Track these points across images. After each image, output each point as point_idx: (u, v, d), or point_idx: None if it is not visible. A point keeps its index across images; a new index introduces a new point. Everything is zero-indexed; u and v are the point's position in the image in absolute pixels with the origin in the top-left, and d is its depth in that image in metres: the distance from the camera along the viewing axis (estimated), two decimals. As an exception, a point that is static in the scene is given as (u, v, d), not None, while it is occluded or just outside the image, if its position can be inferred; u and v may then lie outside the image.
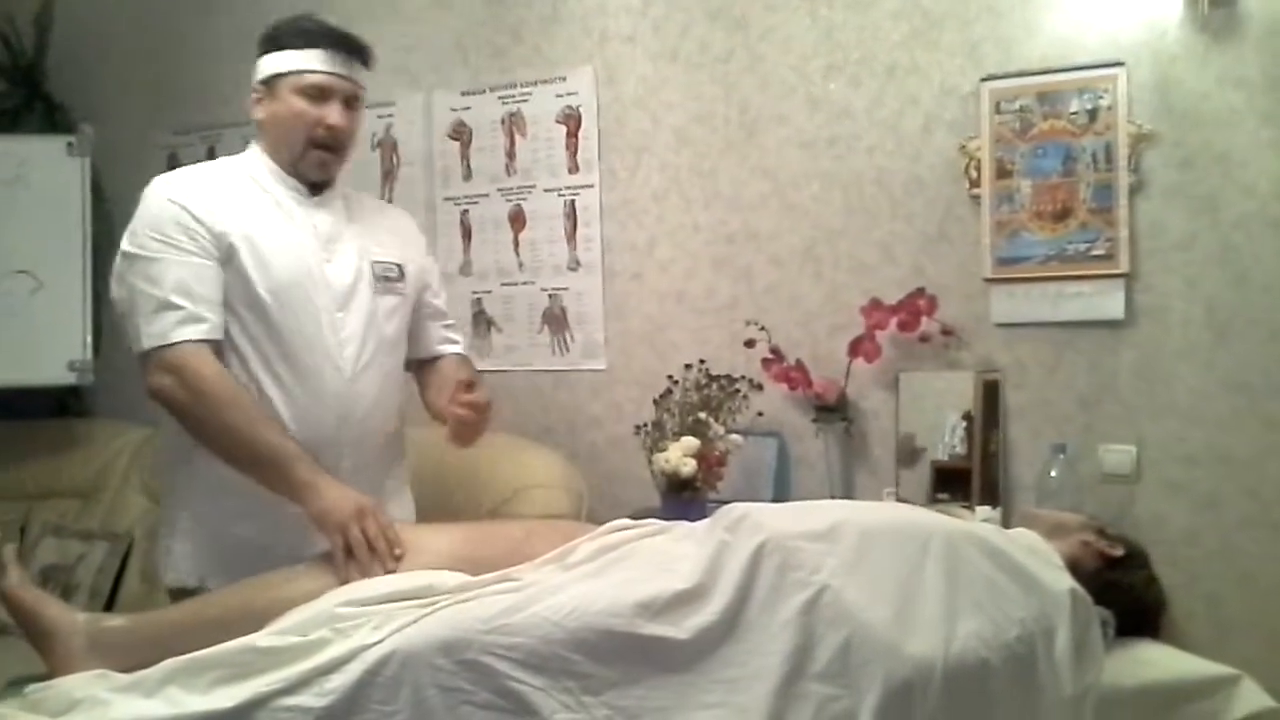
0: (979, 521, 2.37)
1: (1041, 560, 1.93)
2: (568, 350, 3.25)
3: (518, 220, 3.31)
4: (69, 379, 3.40)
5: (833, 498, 2.77)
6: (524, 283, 3.31)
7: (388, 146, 3.49)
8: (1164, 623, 2.22)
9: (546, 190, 3.26)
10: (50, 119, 3.88)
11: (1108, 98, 2.57)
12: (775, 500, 2.81)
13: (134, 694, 1.61)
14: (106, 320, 3.16)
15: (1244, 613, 2.47)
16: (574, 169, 3.21)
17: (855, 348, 2.75)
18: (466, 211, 3.39)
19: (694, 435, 2.73)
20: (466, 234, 3.39)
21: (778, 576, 1.74)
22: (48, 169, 3.46)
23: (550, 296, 3.27)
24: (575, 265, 3.22)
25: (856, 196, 2.86)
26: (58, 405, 3.76)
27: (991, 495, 2.63)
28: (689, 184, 3.06)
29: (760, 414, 2.88)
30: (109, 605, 3.15)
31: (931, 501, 2.65)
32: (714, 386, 2.82)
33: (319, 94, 2.10)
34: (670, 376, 2.89)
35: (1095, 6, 2.58)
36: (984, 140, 2.69)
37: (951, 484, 2.68)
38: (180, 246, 1.99)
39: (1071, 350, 2.64)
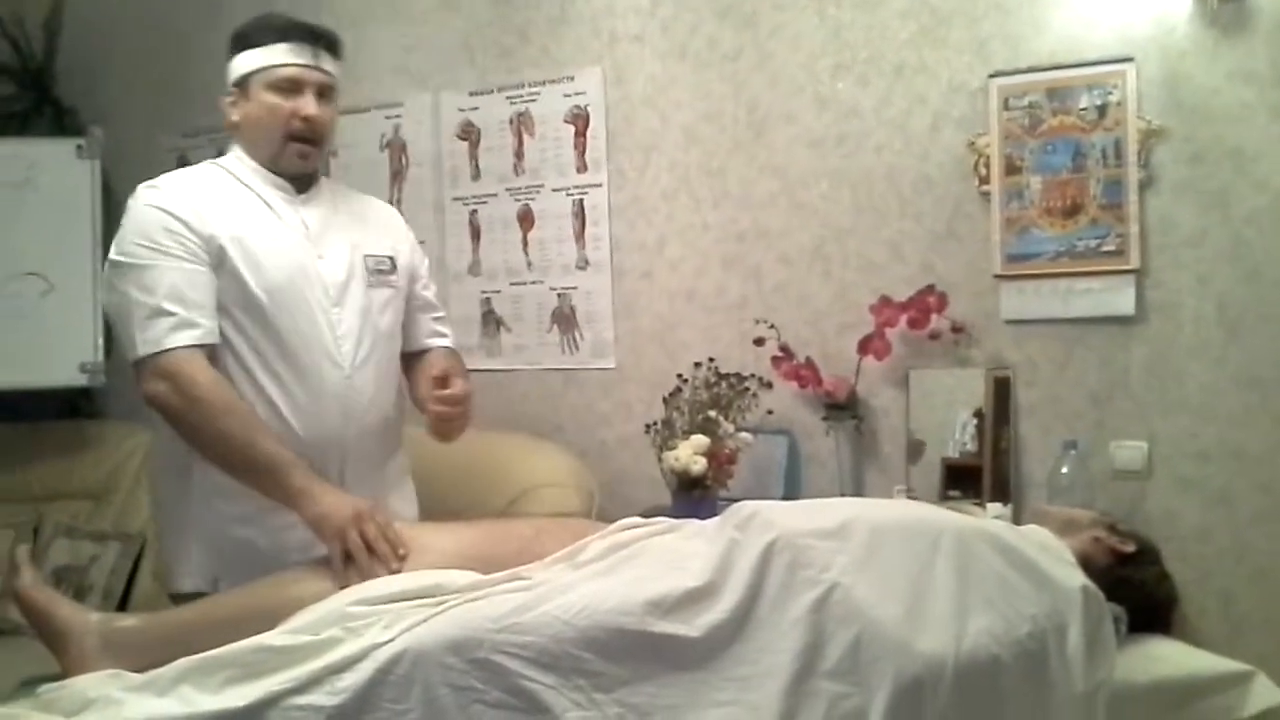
0: (990, 518, 2.36)
1: (1053, 557, 1.92)
2: (577, 349, 3.26)
3: (526, 220, 3.32)
4: (80, 381, 3.41)
5: (843, 495, 2.77)
6: (533, 282, 3.31)
7: (396, 147, 3.50)
8: (1176, 619, 2.21)
9: (555, 190, 3.26)
10: (60, 122, 3.90)
11: (1117, 93, 2.56)
12: (786, 498, 2.81)
13: (147, 693, 1.61)
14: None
15: (1257, 609, 2.47)
16: (582, 168, 3.22)
17: (865, 345, 2.75)
18: (475, 211, 3.39)
19: (704, 433, 2.73)
20: (475, 234, 3.39)
21: (788, 574, 1.74)
22: (57, 172, 3.48)
23: (559, 296, 3.27)
24: (584, 264, 3.23)
25: (865, 194, 2.85)
26: (69, 407, 3.77)
27: (1003, 492, 2.63)
28: (698, 183, 3.06)
29: (770, 412, 2.88)
30: (122, 606, 3.16)
31: (943, 499, 2.65)
32: (724, 385, 2.82)
33: (291, 87, 2.10)
34: (680, 375, 2.89)
35: (1104, 2, 2.57)
36: (993, 137, 2.68)
37: (963, 481, 2.68)
38: (170, 252, 1.98)
39: (1082, 347, 2.63)
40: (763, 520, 1.82)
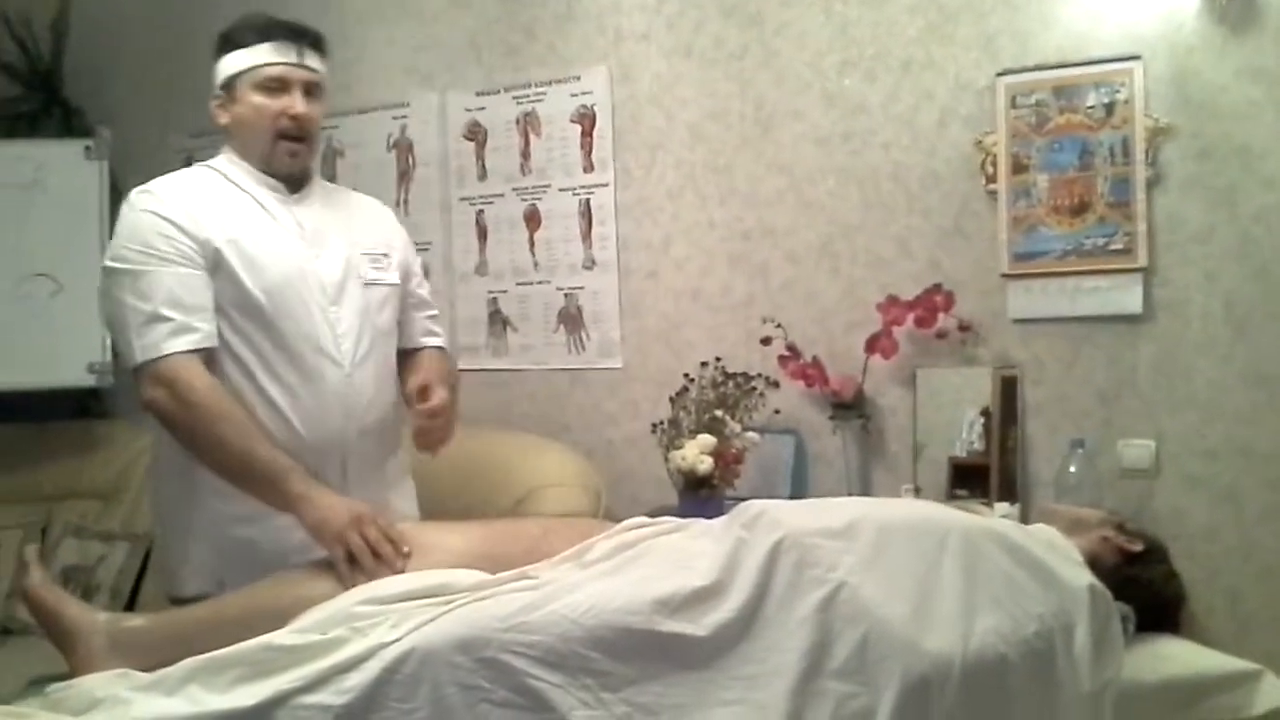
0: (997, 518, 2.36)
1: (1060, 556, 1.92)
2: (584, 349, 3.26)
3: (533, 220, 3.32)
4: (89, 381, 3.42)
5: (850, 495, 2.77)
6: (539, 282, 3.31)
7: (403, 148, 3.50)
8: (1184, 618, 2.21)
9: (561, 189, 3.26)
10: (68, 123, 3.91)
11: (1124, 91, 2.56)
12: (792, 498, 2.81)
13: (155, 693, 1.62)
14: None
15: (1265, 607, 2.46)
16: (589, 168, 3.22)
17: (872, 344, 2.75)
18: (482, 211, 3.39)
19: (710, 433, 2.73)
20: (482, 234, 3.39)
21: (795, 573, 1.74)
22: (66, 173, 3.49)
23: (566, 295, 3.27)
24: (591, 264, 3.23)
25: (873, 192, 2.85)
26: (78, 407, 3.78)
27: (1010, 491, 2.62)
28: (704, 181, 3.06)
29: (777, 411, 2.88)
30: (130, 605, 3.17)
31: (950, 498, 2.65)
32: (730, 384, 2.82)
33: (278, 86, 2.09)
34: (686, 374, 2.89)
35: (1111, -1, 2.57)
36: (1000, 135, 2.68)
37: (970, 480, 2.68)
38: (165, 257, 1.97)
39: (1089, 345, 2.63)
40: (770, 519, 1.82)
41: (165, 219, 2.00)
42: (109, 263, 2.01)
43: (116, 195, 3.47)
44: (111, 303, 2.00)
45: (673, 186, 3.11)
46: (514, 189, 3.34)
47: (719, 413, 2.76)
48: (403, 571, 1.85)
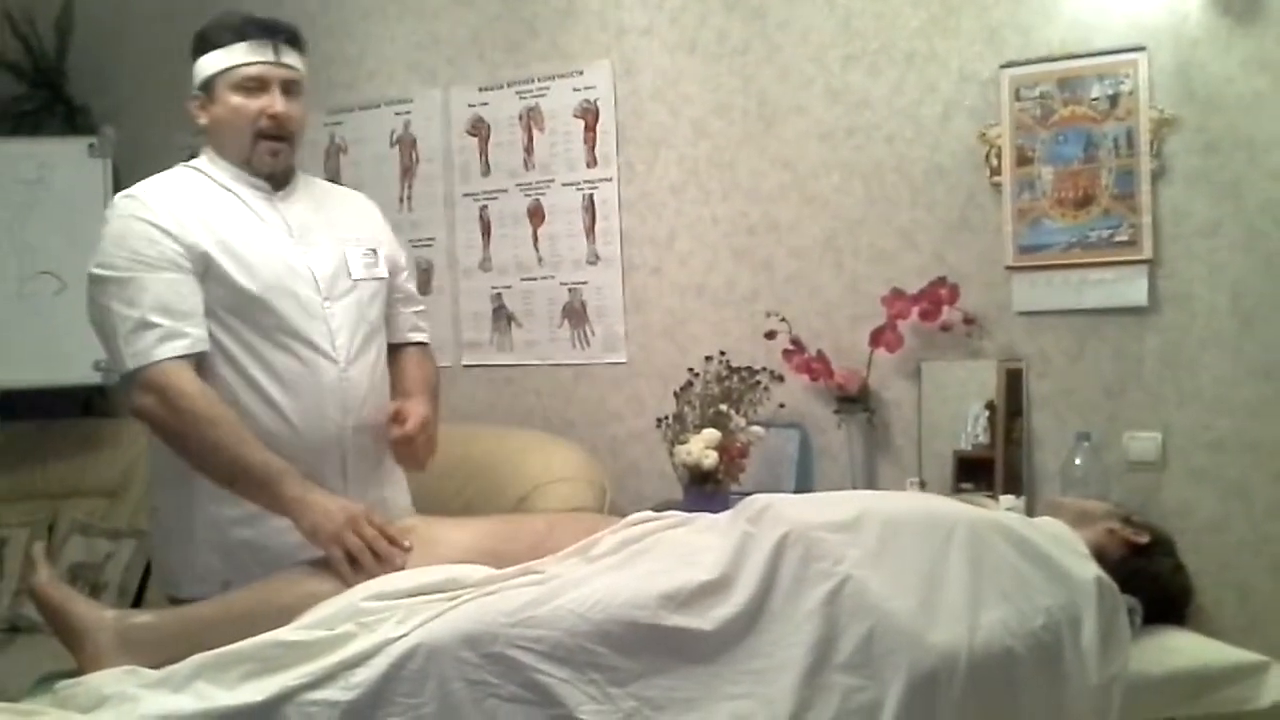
0: (1003, 510, 2.36)
1: (1067, 548, 1.92)
2: (588, 344, 3.26)
3: (536, 215, 3.32)
4: (94, 379, 3.42)
5: (855, 488, 2.76)
6: (544, 277, 3.31)
7: (406, 143, 3.50)
8: (1192, 610, 2.20)
9: (565, 184, 3.26)
10: (72, 121, 3.91)
11: (1129, 83, 2.55)
12: (797, 492, 2.80)
13: (163, 689, 1.62)
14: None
15: (1273, 599, 2.46)
16: (592, 163, 3.22)
17: (877, 338, 2.75)
18: (485, 207, 3.39)
19: (715, 427, 2.73)
20: (486, 229, 3.39)
21: (801, 567, 1.73)
22: (70, 171, 3.49)
23: (570, 291, 3.27)
24: (594, 259, 3.23)
25: (877, 186, 2.85)
26: (83, 405, 3.79)
27: (1015, 484, 2.62)
28: (708, 176, 3.06)
29: (782, 405, 2.88)
30: (136, 602, 3.18)
31: (955, 491, 2.65)
32: (735, 378, 2.82)
33: (256, 86, 2.07)
34: (691, 369, 2.89)
35: (1115, -9, 2.57)
36: (1004, 127, 2.68)
37: (975, 473, 2.68)
38: (152, 263, 1.96)
39: (1095, 338, 2.63)
40: (775, 513, 1.82)
41: (151, 224, 1.98)
42: (96, 270, 1.99)
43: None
44: (99, 310, 1.98)
45: (676, 181, 3.10)
46: (517, 184, 3.34)
47: (724, 407, 2.76)
48: (403, 567, 1.85)
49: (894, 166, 2.82)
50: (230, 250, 2.02)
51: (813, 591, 1.71)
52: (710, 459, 2.68)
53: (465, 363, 3.43)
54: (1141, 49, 2.54)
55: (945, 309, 2.69)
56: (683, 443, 2.74)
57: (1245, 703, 1.90)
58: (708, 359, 2.88)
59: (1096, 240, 2.60)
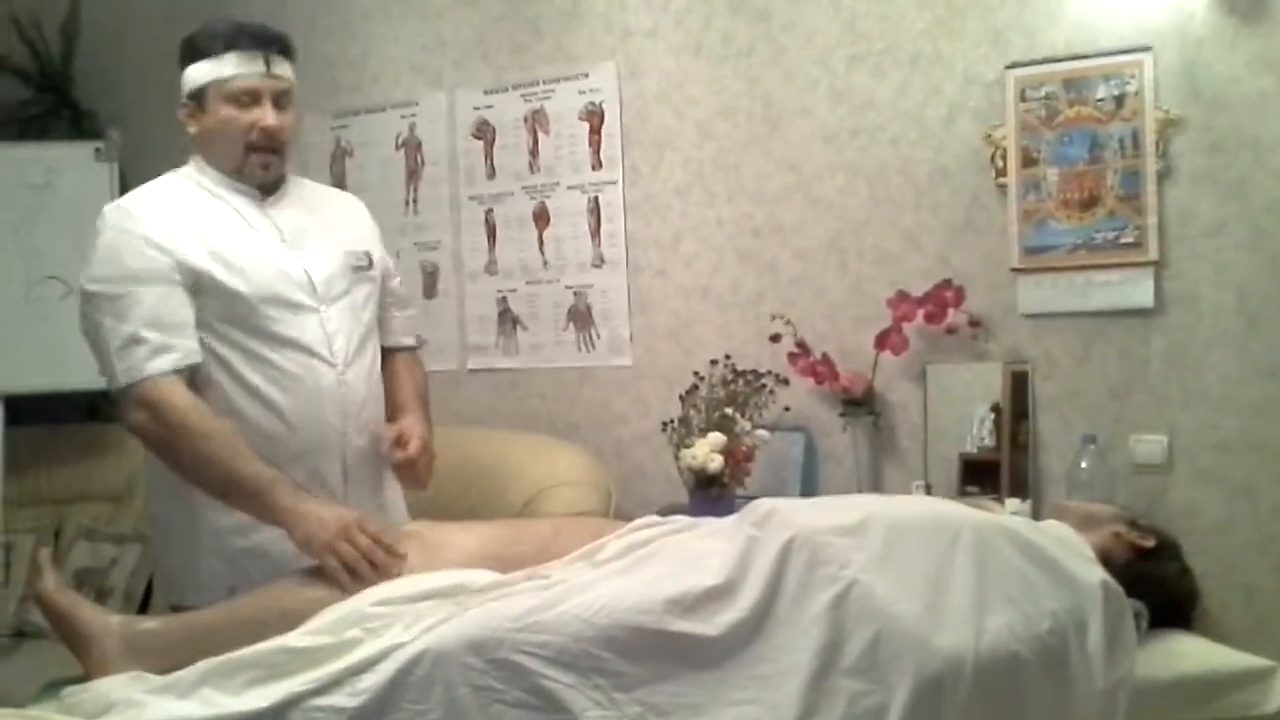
0: (1009, 514, 2.36)
1: (1073, 552, 1.91)
2: (593, 347, 3.26)
3: (542, 218, 3.32)
4: (100, 384, 3.40)
5: (861, 492, 2.76)
6: (549, 280, 3.31)
7: (412, 146, 3.50)
8: (1199, 614, 2.20)
9: (570, 187, 3.26)
10: (78, 125, 3.92)
11: (1134, 83, 2.55)
12: (803, 495, 2.81)
13: (169, 695, 1.62)
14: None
15: (1279, 600, 2.45)
16: (597, 165, 3.22)
17: (882, 340, 2.74)
18: (491, 210, 3.39)
19: (721, 431, 2.73)
20: (491, 232, 3.39)
21: (806, 572, 1.73)
22: (76, 175, 3.49)
23: (575, 294, 3.27)
24: (600, 262, 3.23)
25: (881, 188, 2.84)
26: (89, 410, 3.79)
27: (1021, 487, 2.62)
28: (712, 178, 3.06)
29: (787, 409, 2.87)
30: (142, 608, 3.18)
31: (961, 494, 2.64)
32: (740, 382, 2.82)
33: (248, 99, 2.06)
34: (696, 372, 2.88)
35: (1120, -9, 2.56)
36: (1009, 128, 2.67)
37: (980, 476, 2.67)
38: (142, 278, 1.95)
39: (1101, 340, 2.62)
40: (781, 518, 1.82)
41: (140, 237, 1.97)
42: (86, 285, 1.98)
43: (126, 197, 3.50)
44: (91, 325, 1.98)
45: (681, 184, 3.10)
46: (523, 187, 3.34)
47: (729, 410, 2.76)
48: (400, 575, 1.84)
49: (899, 168, 2.82)
50: (223, 259, 2.01)
51: (818, 596, 1.71)
52: (715, 462, 2.68)
53: (470, 366, 3.44)
54: (1147, 49, 2.54)
55: (950, 311, 2.69)
56: (688, 446, 2.73)
57: (1252, 708, 1.90)
58: (713, 362, 2.87)
59: (1102, 242, 2.59)
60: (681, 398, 2.87)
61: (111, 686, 1.67)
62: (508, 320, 3.38)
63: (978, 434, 2.69)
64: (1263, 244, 2.46)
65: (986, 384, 2.71)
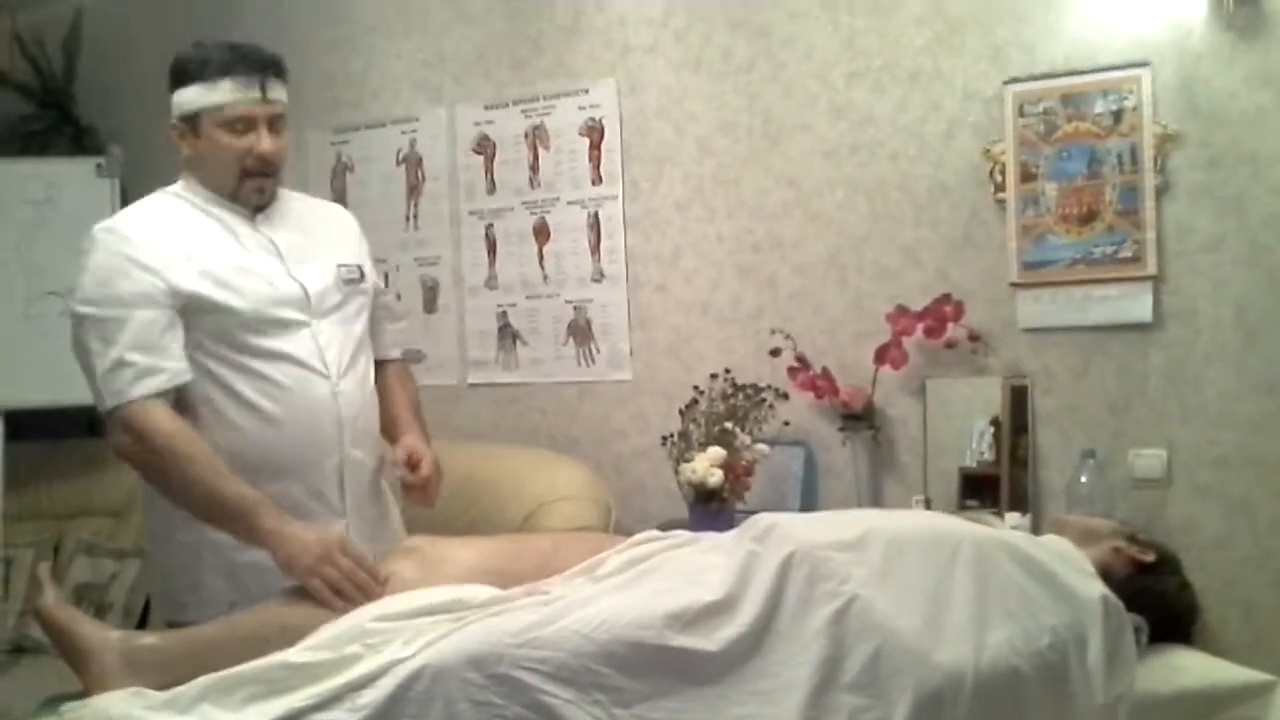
0: (1008, 529, 2.36)
1: (1072, 567, 1.92)
2: (593, 362, 3.26)
3: (542, 233, 3.32)
4: (100, 399, 3.43)
5: (860, 506, 2.76)
6: (549, 295, 3.32)
7: (412, 162, 3.51)
8: (1198, 628, 2.20)
9: (570, 202, 3.27)
10: (79, 141, 3.93)
11: (1132, 98, 2.56)
12: (803, 510, 2.81)
13: (168, 711, 1.62)
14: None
15: (1277, 615, 2.45)
16: (597, 180, 3.22)
17: (881, 355, 2.75)
18: (491, 225, 3.40)
19: (720, 445, 2.73)
20: (491, 247, 3.40)
21: (807, 587, 1.73)
22: (77, 190, 3.51)
23: (575, 308, 3.28)
24: (599, 277, 3.23)
25: (881, 203, 2.85)
26: (89, 425, 3.78)
27: (1021, 502, 2.62)
28: (712, 194, 3.07)
29: (787, 423, 2.87)
30: (141, 623, 3.17)
31: (960, 509, 2.64)
32: (740, 396, 2.82)
33: (243, 125, 2.04)
34: (696, 387, 2.89)
35: (1118, 6, 2.57)
36: (1008, 144, 2.68)
37: (980, 491, 2.67)
38: (130, 302, 1.95)
39: (1100, 354, 2.62)
40: (781, 533, 1.82)
41: (130, 259, 1.97)
42: (76, 307, 1.98)
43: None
44: (80, 347, 1.98)
45: (681, 199, 3.11)
46: (523, 202, 3.35)
47: (729, 425, 2.76)
48: (382, 595, 1.83)
49: (898, 184, 2.83)
50: (214, 277, 2.01)
51: (819, 611, 1.71)
52: (715, 477, 2.68)
53: (471, 381, 3.44)
54: (1145, 65, 2.55)
55: (950, 326, 2.69)
56: (688, 461, 2.74)
57: (1253, 722, 1.90)
58: (713, 376, 2.88)
59: (1101, 256, 2.60)
60: (681, 412, 2.87)
61: (111, 702, 1.67)
62: (508, 335, 3.39)
63: (977, 448, 2.69)
64: (1261, 259, 2.47)
65: (986, 398, 2.71)
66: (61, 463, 3.60)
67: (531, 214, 3.33)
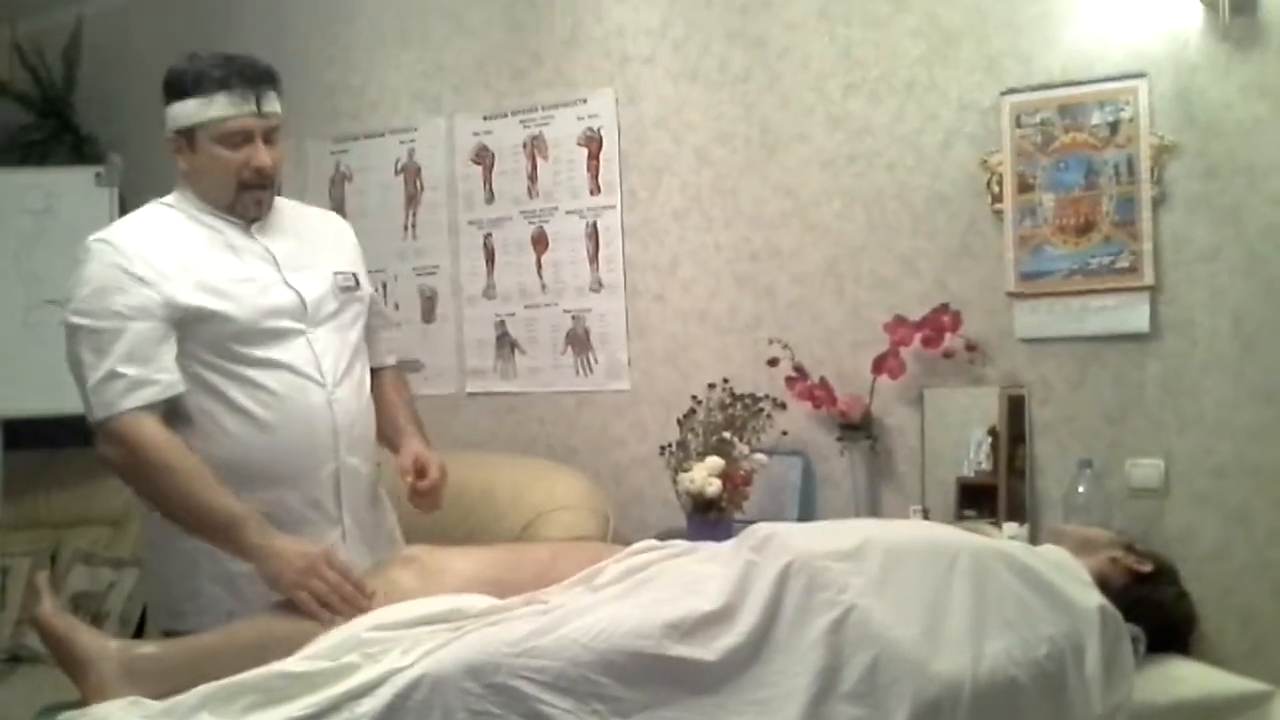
0: (1006, 538, 2.36)
1: (1070, 577, 1.92)
2: (591, 371, 3.26)
3: (540, 242, 3.33)
4: (99, 408, 3.43)
5: (858, 516, 2.76)
6: (547, 304, 3.32)
7: (411, 172, 3.52)
8: (1196, 638, 2.20)
9: (568, 212, 3.28)
10: (79, 150, 3.94)
11: (1129, 109, 2.56)
12: (801, 519, 2.81)
13: (167, 720, 1.62)
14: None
15: (1275, 625, 2.45)
16: (595, 190, 3.23)
17: (879, 364, 2.75)
18: (489, 234, 3.41)
19: (718, 455, 2.73)
20: (489, 257, 3.40)
21: (805, 596, 1.73)
22: (77, 199, 3.51)
23: (573, 318, 3.28)
24: (598, 286, 3.24)
25: (878, 213, 2.86)
26: (87, 434, 3.77)
27: (1018, 511, 2.62)
28: (710, 203, 3.07)
29: (785, 433, 2.87)
30: (139, 632, 3.17)
31: (958, 518, 2.64)
32: (738, 406, 2.82)
33: (240, 138, 2.04)
34: (694, 396, 2.89)
35: (1115, 18, 2.58)
36: (1005, 154, 2.69)
37: (978, 500, 2.67)
38: (124, 314, 1.95)
39: (1097, 364, 2.63)
40: (779, 542, 1.82)
41: (123, 271, 1.97)
42: (69, 318, 1.98)
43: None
44: (72, 358, 1.98)
45: (679, 208, 3.12)
46: (521, 212, 3.35)
47: (726, 434, 2.76)
48: (370, 608, 1.83)
49: (895, 194, 2.83)
50: (210, 288, 2.01)
51: (817, 621, 1.72)
52: (713, 486, 2.68)
53: (469, 390, 3.44)
54: (1141, 76, 2.56)
55: (947, 335, 2.70)
56: (686, 470, 2.74)
57: (1250, 732, 1.90)
58: (711, 386, 2.88)
59: (1098, 267, 2.60)
60: (679, 422, 2.87)
61: (109, 711, 1.67)
62: (506, 344, 3.39)
63: (975, 458, 2.70)
64: (1258, 269, 2.48)
65: (983, 408, 2.71)
66: (59, 471, 3.60)
67: (530, 223, 3.34)
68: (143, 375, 1.94)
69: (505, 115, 3.37)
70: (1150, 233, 2.55)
